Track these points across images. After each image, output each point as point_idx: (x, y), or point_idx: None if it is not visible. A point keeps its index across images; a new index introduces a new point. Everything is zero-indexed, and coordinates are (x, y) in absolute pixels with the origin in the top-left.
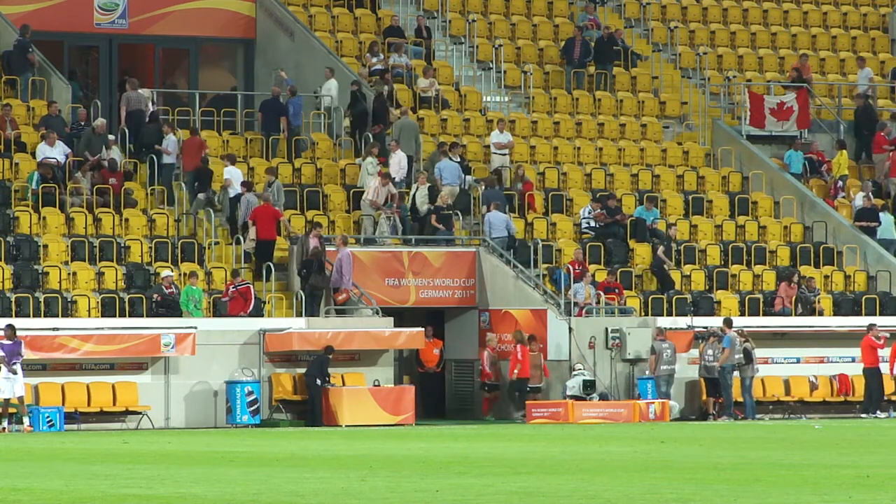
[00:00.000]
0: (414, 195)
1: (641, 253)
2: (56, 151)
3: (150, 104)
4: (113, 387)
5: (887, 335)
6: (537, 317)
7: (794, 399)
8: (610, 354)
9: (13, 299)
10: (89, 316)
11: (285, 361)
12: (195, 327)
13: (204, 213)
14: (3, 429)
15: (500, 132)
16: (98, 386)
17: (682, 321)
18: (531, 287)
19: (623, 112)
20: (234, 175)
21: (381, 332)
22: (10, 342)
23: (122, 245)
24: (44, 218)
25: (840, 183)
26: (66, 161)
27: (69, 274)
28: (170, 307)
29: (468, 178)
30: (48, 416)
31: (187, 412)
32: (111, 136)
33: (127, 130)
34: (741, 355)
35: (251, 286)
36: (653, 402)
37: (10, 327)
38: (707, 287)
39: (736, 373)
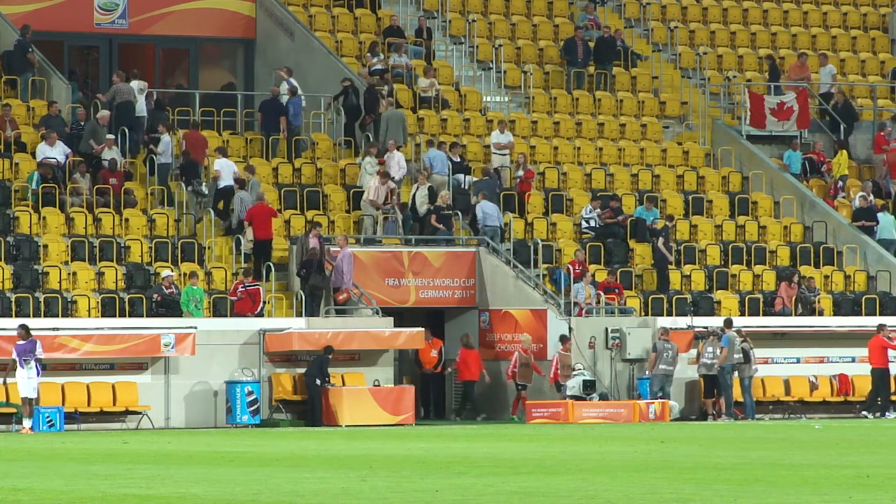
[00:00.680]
0: (414, 195)
1: (641, 253)
2: (56, 151)
3: (137, 94)
4: (113, 387)
5: None
6: (537, 317)
7: (794, 399)
8: (610, 354)
9: (13, 299)
10: (89, 316)
11: (285, 361)
12: (195, 327)
13: (204, 213)
14: (26, 429)
15: (500, 132)
16: (98, 386)
17: (682, 321)
18: (531, 287)
19: (623, 112)
20: (224, 167)
21: (381, 332)
22: (23, 342)
23: (122, 245)
24: (44, 218)
25: (840, 183)
26: (66, 161)
27: (69, 274)
28: (170, 307)
29: (468, 178)
30: (48, 416)
31: (187, 412)
32: (111, 136)
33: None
34: (740, 355)
35: (260, 287)
36: (653, 402)
37: (23, 327)
38: (707, 287)
39: (735, 373)
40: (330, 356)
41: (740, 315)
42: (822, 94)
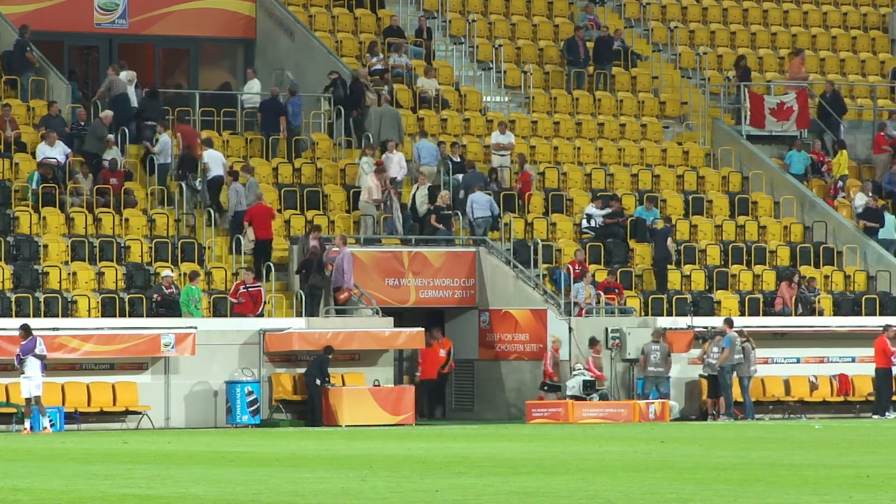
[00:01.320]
0: (414, 195)
1: (641, 253)
2: (56, 151)
3: (127, 86)
4: (113, 387)
5: None
6: (537, 317)
7: (794, 399)
8: (610, 354)
9: (13, 299)
10: (89, 316)
11: (285, 361)
12: (195, 327)
13: (199, 213)
14: (25, 429)
15: (500, 133)
16: (98, 386)
17: (682, 321)
18: (531, 287)
19: (623, 112)
20: (212, 158)
21: (381, 332)
22: (25, 342)
23: (122, 245)
24: (44, 218)
25: (840, 183)
26: (66, 161)
27: (69, 274)
28: (170, 307)
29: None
30: (48, 417)
31: (187, 412)
32: (110, 136)
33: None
34: (741, 355)
35: (262, 289)
36: (653, 402)
37: (23, 327)
38: (707, 287)
39: (734, 372)
40: (330, 356)
41: (740, 315)
42: (827, 83)
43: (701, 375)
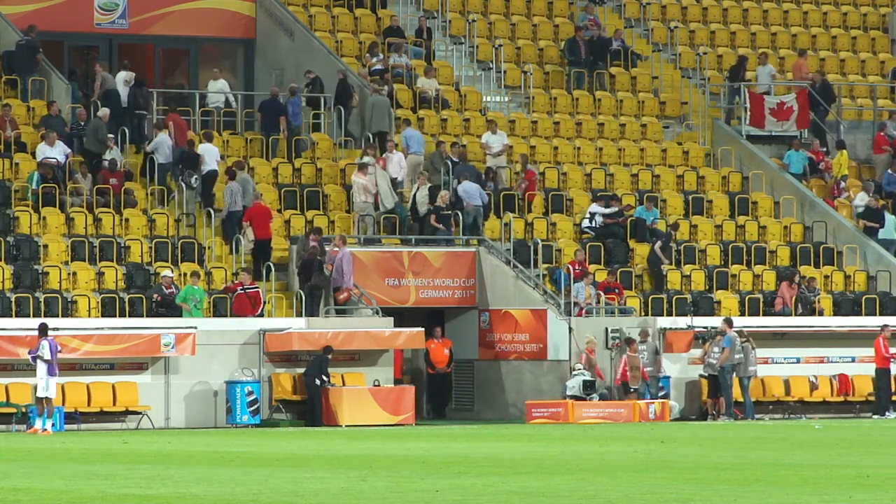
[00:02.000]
0: (414, 195)
1: (641, 253)
2: (56, 151)
3: (123, 86)
4: (113, 387)
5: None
6: (537, 317)
7: (794, 399)
8: (610, 354)
9: (13, 299)
10: (89, 316)
11: (285, 361)
12: (195, 327)
13: (196, 213)
14: (45, 430)
15: (492, 133)
16: (98, 386)
17: (682, 321)
18: (531, 287)
19: (623, 112)
20: (207, 152)
21: (381, 332)
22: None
23: (122, 245)
24: (44, 218)
25: (841, 183)
26: (66, 161)
27: (69, 274)
28: (170, 307)
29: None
30: (51, 420)
31: (187, 412)
32: (110, 136)
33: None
34: (741, 355)
35: (260, 290)
36: (653, 402)
37: (38, 327)
38: (707, 287)
39: (734, 372)
40: (329, 356)
41: (740, 315)
42: (816, 72)
43: (701, 375)
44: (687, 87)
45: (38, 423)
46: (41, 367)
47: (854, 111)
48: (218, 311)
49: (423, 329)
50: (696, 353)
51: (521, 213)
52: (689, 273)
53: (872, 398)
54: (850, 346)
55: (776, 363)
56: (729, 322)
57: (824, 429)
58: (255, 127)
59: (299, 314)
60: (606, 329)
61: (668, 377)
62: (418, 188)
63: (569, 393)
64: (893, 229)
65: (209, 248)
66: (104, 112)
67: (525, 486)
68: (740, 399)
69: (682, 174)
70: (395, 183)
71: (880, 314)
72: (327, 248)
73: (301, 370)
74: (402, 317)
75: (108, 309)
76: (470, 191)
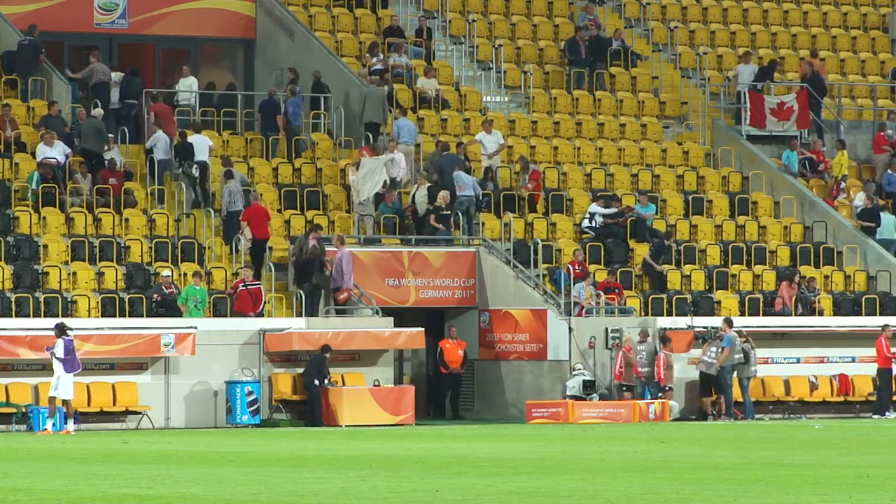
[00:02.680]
0: (414, 195)
1: (641, 253)
2: (56, 151)
3: (114, 85)
4: (113, 387)
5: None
6: (537, 317)
7: (794, 399)
8: (610, 354)
9: (13, 299)
10: (89, 316)
11: (285, 361)
12: (195, 327)
13: (203, 213)
14: (67, 430)
15: (486, 133)
16: (98, 386)
17: (682, 321)
18: (531, 287)
19: (623, 112)
20: (197, 143)
21: (381, 332)
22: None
23: (122, 245)
24: (44, 218)
25: (841, 183)
26: (66, 161)
27: (69, 274)
28: (170, 307)
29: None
30: (51, 421)
31: (187, 412)
32: (110, 135)
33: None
34: (741, 355)
35: (262, 287)
36: (653, 402)
37: (57, 326)
38: (707, 287)
39: (734, 372)
40: (327, 355)
41: (740, 315)
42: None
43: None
44: (687, 87)
45: (48, 424)
46: (56, 366)
47: (854, 111)
48: (218, 311)
49: (423, 329)
50: (697, 353)
51: (523, 213)
52: (689, 273)
53: (872, 398)
54: (850, 346)
55: (776, 363)
56: (729, 322)
57: (824, 429)
58: (255, 127)
59: (299, 314)
60: (606, 329)
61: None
62: (418, 188)
63: (569, 393)
64: (893, 229)
65: (209, 248)
66: (98, 112)
67: (525, 486)
68: (740, 399)
69: (682, 174)
70: (394, 183)
71: (880, 314)
72: (328, 248)
73: (301, 370)
74: (402, 317)
75: (108, 309)
76: (465, 181)
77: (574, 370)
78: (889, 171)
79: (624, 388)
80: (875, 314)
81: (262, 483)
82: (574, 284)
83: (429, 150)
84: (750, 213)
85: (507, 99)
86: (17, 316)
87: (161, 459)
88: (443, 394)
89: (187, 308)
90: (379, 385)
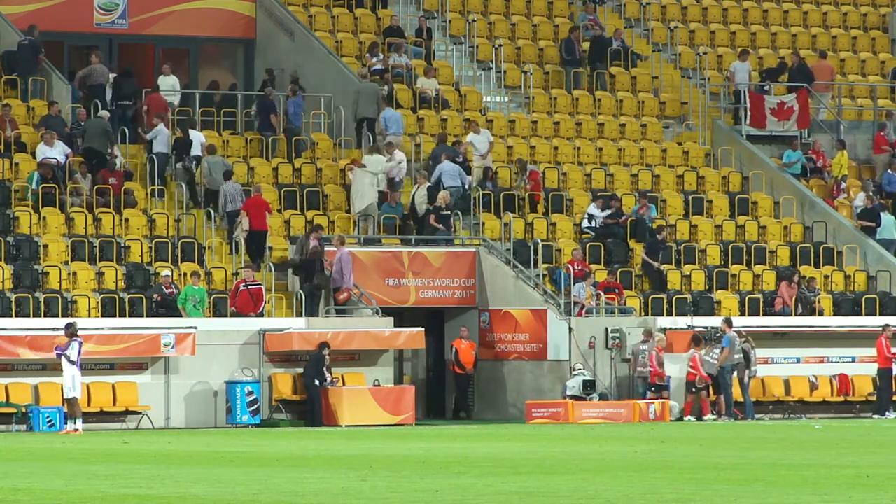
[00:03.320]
0: (413, 195)
1: (641, 253)
2: (56, 151)
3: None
4: (113, 387)
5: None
6: (537, 317)
7: (794, 399)
8: (610, 354)
9: (13, 299)
10: (89, 316)
11: (285, 361)
12: (195, 327)
13: (203, 213)
14: (76, 429)
15: (475, 133)
16: (98, 386)
17: (682, 321)
18: (531, 287)
19: (623, 112)
20: (194, 138)
21: (381, 332)
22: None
23: (122, 245)
24: (44, 218)
25: (842, 184)
26: (66, 161)
27: (69, 274)
28: (170, 307)
29: (469, 178)
30: (48, 416)
31: (187, 412)
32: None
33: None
34: (740, 355)
35: (262, 287)
36: (653, 402)
37: (68, 327)
38: (707, 287)
39: (734, 372)
40: (325, 352)
41: (740, 315)
42: (793, 54)
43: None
44: (687, 87)
45: (68, 425)
46: (68, 368)
47: (854, 111)
48: (218, 311)
49: (423, 329)
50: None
51: (523, 213)
52: (689, 273)
53: (872, 398)
54: (850, 346)
55: (776, 363)
56: (729, 322)
57: (824, 429)
58: (255, 127)
59: (299, 314)
60: (606, 329)
61: (667, 377)
62: (417, 188)
63: (569, 393)
64: (893, 229)
65: (209, 248)
66: (105, 113)
67: (525, 486)
68: (740, 399)
69: (682, 174)
70: (394, 183)
71: (880, 314)
72: (328, 248)
73: (301, 370)
74: (402, 317)
75: (108, 309)
76: (450, 171)
77: (574, 370)
78: (889, 171)
79: (653, 389)
80: (875, 314)
81: (262, 483)
82: (574, 284)
83: (429, 150)
84: (750, 213)
85: (507, 99)
86: (17, 316)
87: (161, 459)
88: (448, 394)
89: (186, 309)
90: (379, 385)
